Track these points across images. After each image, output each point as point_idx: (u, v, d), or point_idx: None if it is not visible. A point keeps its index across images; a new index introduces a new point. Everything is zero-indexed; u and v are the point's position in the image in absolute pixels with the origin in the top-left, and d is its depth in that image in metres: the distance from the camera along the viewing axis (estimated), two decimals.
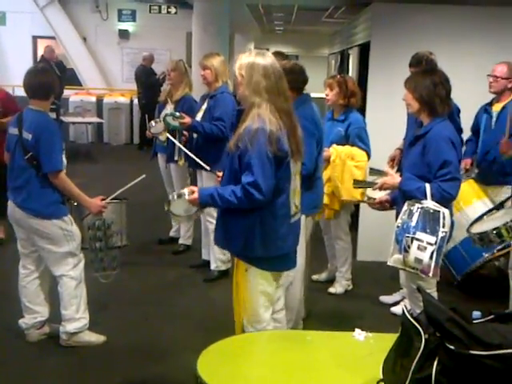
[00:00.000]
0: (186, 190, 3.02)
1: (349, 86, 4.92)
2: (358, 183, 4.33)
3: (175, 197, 3.07)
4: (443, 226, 3.13)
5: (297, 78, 3.99)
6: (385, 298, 5.02)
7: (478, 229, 4.05)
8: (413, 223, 3.18)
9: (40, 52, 13.33)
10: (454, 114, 4.74)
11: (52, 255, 3.99)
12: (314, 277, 5.42)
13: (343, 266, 5.21)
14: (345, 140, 4.88)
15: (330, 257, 5.38)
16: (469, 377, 1.78)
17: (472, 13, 5.86)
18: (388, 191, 3.76)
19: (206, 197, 2.96)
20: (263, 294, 3.10)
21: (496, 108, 4.95)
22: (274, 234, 2.97)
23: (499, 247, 4.54)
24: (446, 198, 3.29)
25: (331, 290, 5.19)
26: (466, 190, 4.84)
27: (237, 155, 2.89)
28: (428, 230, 3.14)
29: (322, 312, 4.75)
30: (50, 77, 4.05)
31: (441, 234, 3.11)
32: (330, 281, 5.31)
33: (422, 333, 1.87)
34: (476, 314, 1.99)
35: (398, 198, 3.61)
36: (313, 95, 7.32)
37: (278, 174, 2.91)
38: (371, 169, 3.74)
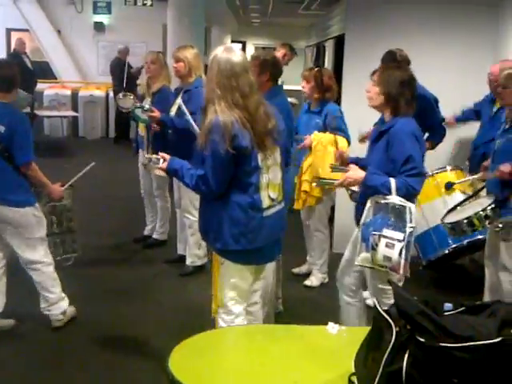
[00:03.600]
0: (159, 157, 3.17)
1: (324, 80, 4.96)
2: (320, 181, 4.33)
3: (148, 160, 3.23)
4: (410, 221, 3.07)
5: (278, 70, 4.13)
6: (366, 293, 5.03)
7: (451, 218, 4.10)
8: (378, 220, 3.11)
9: (14, 45, 13.14)
10: (433, 105, 4.77)
11: (26, 243, 4.07)
12: (295, 270, 5.44)
13: (320, 258, 5.22)
14: (323, 130, 4.93)
15: (308, 249, 5.39)
16: (439, 369, 1.78)
17: (445, 9, 5.90)
18: None
19: (172, 170, 3.14)
20: (234, 287, 3.13)
21: (497, 104, 4.95)
22: (243, 227, 3.00)
23: (469, 239, 4.59)
24: (411, 193, 3.23)
25: (307, 282, 5.20)
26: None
27: (201, 150, 2.96)
28: (395, 227, 3.08)
29: (296, 305, 4.76)
30: (12, 70, 4.09)
31: (408, 230, 3.05)
32: (310, 274, 5.32)
33: (393, 326, 1.87)
34: (447, 305, 1.98)
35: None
36: (290, 87, 7.36)
37: (240, 169, 2.95)
38: (333, 167, 3.71)
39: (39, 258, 4.13)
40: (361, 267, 3.44)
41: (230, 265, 3.10)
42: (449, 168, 5.01)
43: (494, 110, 4.96)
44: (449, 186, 4.86)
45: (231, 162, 2.91)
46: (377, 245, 3.07)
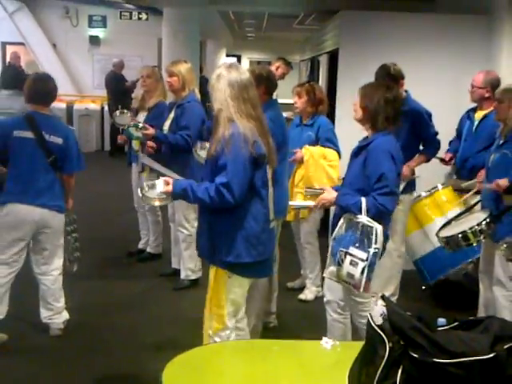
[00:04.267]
0: (160, 181, 3.13)
1: (317, 94, 5.02)
2: (296, 204, 4.41)
3: (147, 188, 3.17)
4: (375, 243, 3.09)
5: (272, 84, 4.17)
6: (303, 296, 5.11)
7: (446, 233, 4.10)
8: (347, 238, 3.18)
9: (9, 58, 13.18)
10: (426, 119, 4.79)
11: (57, 249, 4.26)
12: (289, 284, 5.44)
13: (312, 271, 5.21)
14: (315, 143, 4.97)
15: (302, 263, 5.38)
16: None
17: (438, 21, 5.98)
18: None
19: (180, 190, 3.05)
20: (232, 302, 3.16)
21: (478, 116, 4.95)
22: (256, 239, 3.07)
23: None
24: (382, 212, 3.21)
25: (301, 296, 5.19)
26: (448, 197, 4.95)
27: (215, 160, 2.98)
28: (360, 246, 3.11)
29: (291, 319, 4.74)
30: (53, 83, 4.25)
31: (372, 251, 3.07)
32: (304, 287, 5.31)
33: (387, 341, 1.87)
34: (441, 321, 1.98)
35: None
36: (284, 101, 7.38)
37: (257, 178, 3.02)
38: (307, 189, 3.77)
39: (58, 265, 4.28)
40: (328, 280, 3.50)
41: (236, 279, 3.12)
42: (440, 186, 5.03)
43: (476, 122, 4.96)
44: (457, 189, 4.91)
45: (252, 168, 2.97)
46: (342, 261, 3.15)
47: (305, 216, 5.05)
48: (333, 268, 3.27)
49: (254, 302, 4.04)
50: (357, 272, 3.09)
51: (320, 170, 4.84)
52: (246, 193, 2.98)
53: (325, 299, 3.79)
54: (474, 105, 5.03)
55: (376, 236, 3.09)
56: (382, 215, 3.22)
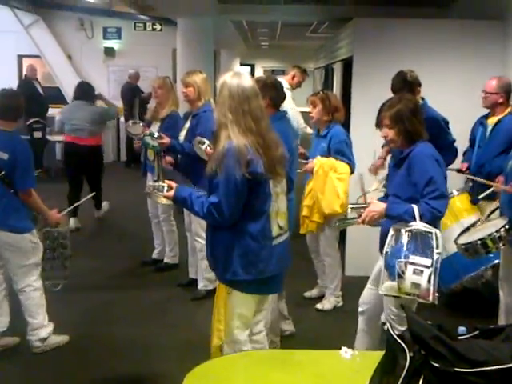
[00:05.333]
0: (165, 185, 3.12)
1: (332, 102, 4.95)
2: (341, 221, 4.26)
3: (153, 189, 3.18)
4: (437, 247, 3.01)
5: (278, 95, 4.07)
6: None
7: (464, 240, 4.07)
8: (404, 247, 3.02)
9: (25, 71, 13.30)
10: (443, 126, 4.76)
11: (21, 268, 4.17)
12: (307, 294, 5.42)
13: (332, 282, 5.18)
14: (328, 154, 4.90)
15: (319, 273, 5.36)
16: None
17: (452, 27, 5.94)
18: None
19: (180, 198, 3.06)
20: (240, 316, 3.11)
21: (491, 121, 4.93)
22: (254, 256, 2.96)
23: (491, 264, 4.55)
24: (436, 216, 3.19)
25: (318, 306, 5.17)
26: (463, 204, 4.91)
27: (211, 177, 2.92)
28: (422, 253, 2.99)
29: (309, 329, 4.73)
30: (18, 100, 4.19)
31: (436, 256, 2.98)
32: (321, 297, 5.29)
33: (407, 350, 1.86)
34: (461, 329, 1.97)
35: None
36: (299, 109, 7.38)
37: (254, 196, 2.91)
38: (352, 206, 3.65)
39: (29, 282, 4.18)
40: (366, 291, 3.42)
41: (237, 294, 3.06)
42: (456, 193, 4.98)
43: (489, 128, 4.94)
44: (475, 201, 4.85)
45: (245, 189, 2.86)
46: (403, 272, 2.97)
47: (313, 230, 5.02)
48: (390, 283, 3.07)
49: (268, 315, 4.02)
50: (423, 280, 2.93)
51: (328, 183, 4.77)
52: (239, 212, 2.90)
53: (359, 309, 3.75)
54: (485, 112, 5.01)
55: (437, 240, 3.02)
56: (435, 219, 3.19)
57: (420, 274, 2.94)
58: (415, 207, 3.15)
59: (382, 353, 2.05)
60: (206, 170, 2.95)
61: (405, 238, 3.06)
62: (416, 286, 2.95)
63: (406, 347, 1.86)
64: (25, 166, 4.04)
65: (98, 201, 7.68)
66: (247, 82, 2.98)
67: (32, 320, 4.22)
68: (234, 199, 2.85)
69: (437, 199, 3.17)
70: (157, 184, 3.18)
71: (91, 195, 4.60)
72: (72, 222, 6.99)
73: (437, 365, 1.78)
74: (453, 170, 5.04)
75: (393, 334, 1.94)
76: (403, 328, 3.12)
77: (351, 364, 2.47)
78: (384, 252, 3.16)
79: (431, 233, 3.04)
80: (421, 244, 3.02)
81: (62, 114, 7.85)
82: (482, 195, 4.59)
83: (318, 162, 4.83)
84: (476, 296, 5.18)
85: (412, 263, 2.97)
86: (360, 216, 3.48)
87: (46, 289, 4.38)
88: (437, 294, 2.97)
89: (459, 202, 4.97)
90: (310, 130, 7.04)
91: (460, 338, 1.91)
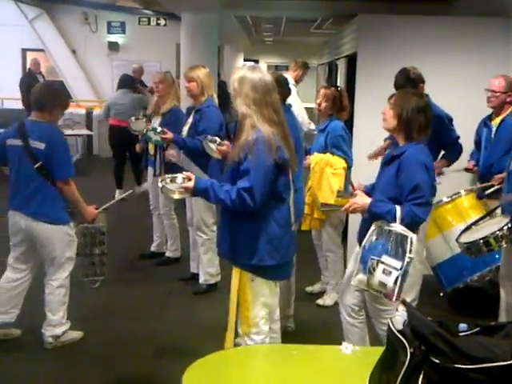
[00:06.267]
0: (180, 175, 3.10)
1: (343, 102, 4.98)
2: (325, 206, 4.29)
3: (168, 180, 3.11)
4: (410, 252, 3.04)
5: (283, 90, 4.09)
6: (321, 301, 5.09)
7: (466, 238, 4.06)
8: (380, 246, 3.10)
9: (29, 65, 13.33)
10: (447, 124, 4.75)
11: (53, 261, 4.15)
12: (308, 289, 5.43)
13: (334, 278, 5.18)
14: (325, 149, 4.91)
15: (322, 268, 5.36)
16: None
17: (455, 23, 5.93)
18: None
19: (201, 189, 3.05)
20: (265, 305, 3.18)
21: (495, 122, 4.92)
22: (278, 242, 3.09)
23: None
24: (416, 223, 3.21)
25: (319, 301, 5.17)
26: (470, 204, 4.89)
27: (237, 165, 3.00)
28: (394, 255, 3.06)
29: (309, 324, 4.73)
30: (54, 91, 4.24)
31: (407, 260, 3.03)
32: (323, 292, 5.29)
33: (408, 346, 1.86)
34: (462, 326, 1.97)
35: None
36: (306, 105, 7.37)
37: (280, 182, 3.05)
38: (338, 192, 3.67)
39: (59, 277, 4.19)
40: (344, 284, 3.45)
41: (261, 282, 3.13)
42: (463, 192, 4.97)
43: (494, 128, 4.92)
44: (480, 197, 4.84)
45: (275, 174, 3.00)
46: (374, 269, 3.07)
47: (316, 227, 5.03)
48: (362, 276, 3.16)
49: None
50: (390, 281, 3.02)
51: (324, 180, 4.79)
52: (268, 198, 3.01)
53: (339, 301, 3.79)
54: (487, 112, 5.00)
55: (411, 245, 3.05)
56: (414, 225, 3.20)
57: (388, 275, 3.03)
58: (398, 209, 3.17)
59: (382, 349, 2.06)
60: (230, 158, 3.07)
61: (383, 237, 3.13)
62: (383, 285, 3.05)
63: (406, 343, 1.86)
64: (62, 155, 4.07)
65: (138, 177, 9.04)
66: (267, 75, 3.14)
67: (51, 315, 4.21)
68: (264, 183, 2.96)
69: (420, 206, 3.18)
70: (171, 175, 3.13)
71: (126, 194, 4.64)
72: (117, 193, 8.37)
73: (437, 361, 1.78)
74: (459, 170, 5.04)
75: (393, 329, 1.95)
76: (385, 321, 3.19)
77: (351, 359, 2.48)
78: (362, 245, 3.23)
79: (407, 237, 3.07)
80: (396, 246, 3.07)
81: (108, 101, 9.38)
82: (488, 191, 4.59)
83: (315, 159, 4.85)
84: (479, 293, 5.18)
85: (383, 263, 3.05)
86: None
87: (85, 285, 4.40)
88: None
89: (466, 201, 4.94)
90: (313, 127, 7.04)
91: (461, 334, 1.91)
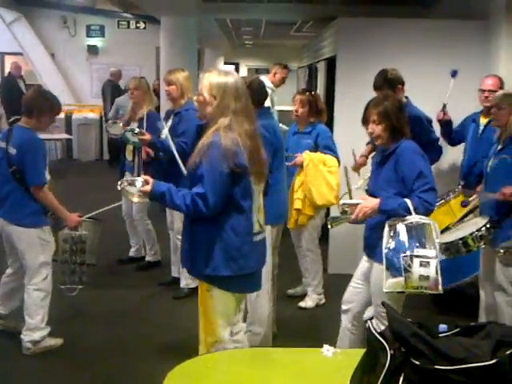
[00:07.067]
0: (139, 179, 3.02)
1: (319, 105, 5.09)
2: (334, 219, 4.21)
3: (126, 183, 3.04)
4: (437, 237, 3.05)
5: (261, 93, 4.08)
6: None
7: (445, 239, 4.07)
8: (405, 242, 3.03)
9: (7, 68, 13.20)
10: (426, 125, 4.78)
11: (29, 264, 4.17)
12: (290, 291, 5.42)
13: (314, 279, 5.20)
14: (314, 150, 4.97)
15: (303, 271, 5.36)
16: None
17: (435, 26, 5.97)
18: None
19: (158, 193, 2.96)
20: (222, 314, 3.07)
21: (483, 120, 4.95)
22: (235, 252, 2.95)
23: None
24: (428, 209, 3.20)
25: (301, 304, 5.17)
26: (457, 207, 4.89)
27: (194, 170, 2.90)
28: (424, 245, 3.02)
29: (291, 327, 4.72)
30: (38, 97, 4.22)
31: (437, 246, 3.02)
32: (305, 295, 5.29)
33: (388, 348, 1.85)
34: (442, 327, 1.97)
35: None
36: (281, 108, 7.37)
37: (237, 190, 2.92)
38: (344, 202, 3.62)
39: (35, 281, 4.18)
40: (351, 289, 3.44)
41: (218, 292, 3.02)
42: (452, 195, 4.97)
43: (481, 127, 4.96)
44: (465, 204, 4.84)
45: (230, 181, 2.87)
46: (410, 266, 2.98)
47: (304, 223, 5.04)
48: (394, 279, 3.06)
49: (263, 310, 4.03)
50: (431, 271, 2.97)
51: (319, 176, 4.85)
52: (223, 204, 2.89)
53: (343, 307, 3.72)
54: (468, 114, 5.03)
55: (435, 230, 3.06)
56: (428, 212, 3.21)
57: (427, 266, 2.97)
58: (408, 201, 3.18)
59: (363, 351, 2.05)
60: (189, 163, 2.95)
61: (403, 233, 3.07)
62: (425, 278, 2.98)
63: (386, 345, 1.86)
64: (32, 163, 4.05)
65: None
66: (237, 79, 3.03)
67: (29, 319, 4.18)
68: (218, 190, 2.85)
69: (428, 192, 3.21)
70: (131, 178, 3.09)
71: (116, 205, 4.59)
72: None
73: (417, 362, 1.77)
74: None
75: (374, 331, 1.94)
76: None
77: (333, 362, 2.46)
78: (384, 249, 3.13)
79: (429, 224, 3.07)
80: (421, 236, 3.04)
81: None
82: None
83: (308, 156, 4.89)
84: (459, 294, 5.21)
85: (418, 256, 2.98)
86: (352, 213, 3.42)
87: (62, 292, 4.35)
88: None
89: (455, 205, 4.94)
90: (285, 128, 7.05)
91: (441, 335, 1.91)
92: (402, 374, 1.80)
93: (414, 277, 2.99)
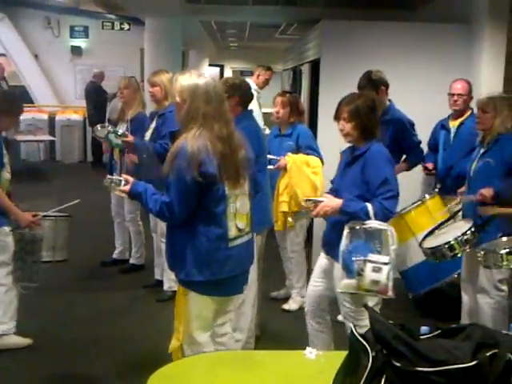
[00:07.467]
0: (122, 179, 3.09)
1: (299, 107, 5.13)
2: (296, 215, 4.26)
3: (110, 182, 3.12)
4: (392, 244, 3.08)
5: (246, 95, 4.08)
6: (341, 317, 5.00)
7: (430, 243, 4.07)
8: (361, 246, 3.09)
9: None
10: (409, 128, 4.80)
11: None
12: (273, 294, 5.42)
13: (298, 281, 5.20)
14: (296, 152, 4.98)
15: (287, 273, 5.36)
16: None
17: (419, 30, 6.01)
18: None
19: (136, 193, 3.02)
20: (198, 317, 3.06)
21: (454, 124, 4.98)
22: (208, 257, 2.94)
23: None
24: (388, 216, 3.24)
25: (285, 306, 5.18)
26: (438, 205, 4.90)
27: (166, 177, 2.90)
28: (378, 250, 3.06)
29: (274, 330, 4.72)
30: (3, 99, 4.23)
31: (392, 252, 3.06)
32: (288, 297, 5.29)
33: (370, 350, 1.86)
34: (424, 329, 1.97)
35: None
36: (264, 111, 7.37)
37: (207, 197, 2.89)
38: (307, 199, 3.66)
39: None
40: (343, 293, 3.45)
41: (194, 296, 3.02)
42: (428, 197, 4.98)
43: (453, 130, 4.98)
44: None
45: (197, 189, 2.84)
46: (362, 270, 3.04)
47: (292, 226, 5.04)
48: (348, 281, 3.12)
49: (245, 318, 4.01)
50: (382, 277, 3.02)
51: (303, 177, 4.85)
52: (190, 212, 2.88)
53: (307, 309, 3.75)
54: (444, 115, 5.06)
55: (392, 236, 3.09)
56: (387, 219, 3.24)
57: (379, 271, 3.02)
58: (369, 206, 3.21)
59: (345, 353, 2.05)
60: (163, 169, 2.94)
61: (361, 236, 3.12)
62: (375, 283, 3.04)
63: (368, 347, 1.86)
64: None
65: None
66: (219, 84, 3.04)
67: None
68: (184, 199, 2.85)
69: (389, 199, 3.24)
70: (114, 177, 3.15)
71: (74, 202, 4.56)
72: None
73: (398, 364, 1.78)
74: (421, 164, 5.05)
75: (355, 334, 1.94)
76: (363, 323, 3.18)
77: (315, 364, 2.47)
78: (340, 250, 3.19)
79: (386, 230, 3.11)
80: (377, 241, 3.08)
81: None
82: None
83: (291, 159, 4.89)
84: (441, 296, 5.23)
85: (370, 261, 3.04)
86: (313, 209, 3.46)
87: (46, 291, 4.38)
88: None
89: (432, 205, 4.95)
90: (267, 132, 7.05)
91: (422, 337, 1.92)
92: (384, 376, 1.80)
93: (365, 281, 3.06)
